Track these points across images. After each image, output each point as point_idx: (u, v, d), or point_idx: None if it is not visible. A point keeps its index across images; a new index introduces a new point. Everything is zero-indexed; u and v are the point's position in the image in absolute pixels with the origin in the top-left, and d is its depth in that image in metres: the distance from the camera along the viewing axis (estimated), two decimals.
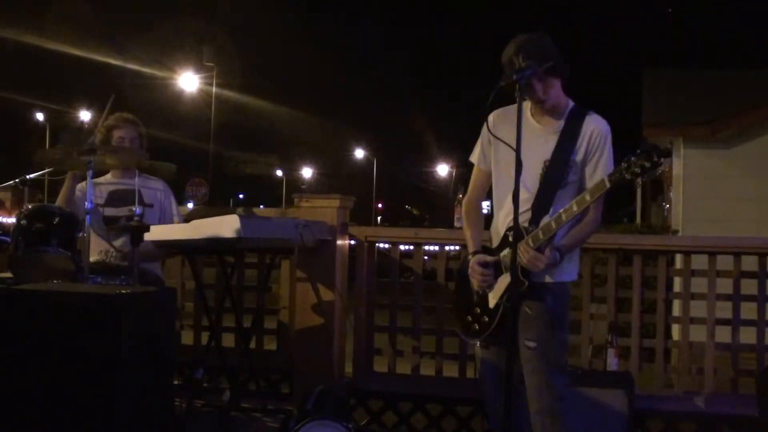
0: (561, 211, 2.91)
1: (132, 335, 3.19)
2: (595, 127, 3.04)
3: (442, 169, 51.49)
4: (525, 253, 2.89)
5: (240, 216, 3.81)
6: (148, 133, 4.66)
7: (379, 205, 51.63)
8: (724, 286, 4.60)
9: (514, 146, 2.80)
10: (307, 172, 52.70)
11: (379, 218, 49.44)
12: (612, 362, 4.38)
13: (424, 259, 5.14)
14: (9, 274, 3.84)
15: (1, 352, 3.17)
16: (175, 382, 4.15)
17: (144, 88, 31.61)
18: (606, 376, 4.21)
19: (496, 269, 3.11)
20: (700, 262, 4.71)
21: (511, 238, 2.94)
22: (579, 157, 3.02)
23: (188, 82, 29.94)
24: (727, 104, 10.46)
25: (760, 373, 4.24)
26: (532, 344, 3.03)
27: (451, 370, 4.93)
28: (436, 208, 53.41)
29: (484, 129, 3.13)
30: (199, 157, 30.99)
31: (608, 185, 2.77)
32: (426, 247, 5.15)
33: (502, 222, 3.16)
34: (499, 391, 2.94)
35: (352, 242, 4.97)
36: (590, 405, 3.98)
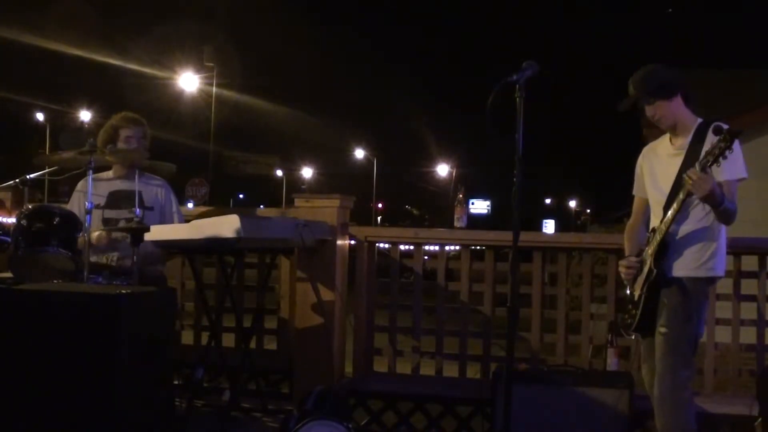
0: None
1: (132, 335, 3.19)
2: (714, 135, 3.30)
3: (442, 169, 51.47)
4: (693, 175, 3.15)
5: (240, 216, 3.80)
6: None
7: (379, 205, 51.56)
8: (725, 286, 4.59)
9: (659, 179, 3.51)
10: (307, 172, 52.65)
11: (379, 218, 49.39)
12: (612, 362, 4.38)
13: (424, 259, 5.14)
14: (9, 274, 3.84)
15: (1, 352, 3.17)
16: (175, 382, 4.15)
17: (144, 88, 31.62)
18: (606, 376, 4.21)
19: (642, 266, 3.51)
20: None
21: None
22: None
23: (188, 82, 29.94)
24: (727, 104, 10.45)
25: (760, 373, 4.24)
26: (663, 330, 3.40)
27: (451, 370, 4.93)
28: (436, 208, 53.40)
29: (638, 163, 3.67)
30: (199, 157, 30.97)
31: (699, 170, 3.13)
32: (426, 247, 5.15)
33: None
34: (653, 378, 3.42)
35: (352, 242, 4.97)
36: (590, 405, 3.98)
